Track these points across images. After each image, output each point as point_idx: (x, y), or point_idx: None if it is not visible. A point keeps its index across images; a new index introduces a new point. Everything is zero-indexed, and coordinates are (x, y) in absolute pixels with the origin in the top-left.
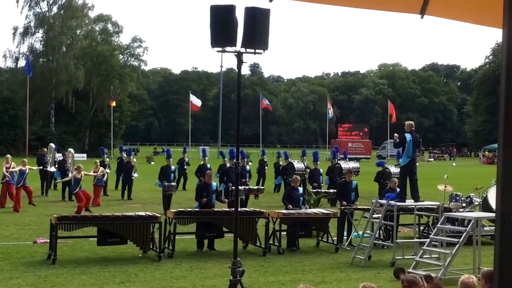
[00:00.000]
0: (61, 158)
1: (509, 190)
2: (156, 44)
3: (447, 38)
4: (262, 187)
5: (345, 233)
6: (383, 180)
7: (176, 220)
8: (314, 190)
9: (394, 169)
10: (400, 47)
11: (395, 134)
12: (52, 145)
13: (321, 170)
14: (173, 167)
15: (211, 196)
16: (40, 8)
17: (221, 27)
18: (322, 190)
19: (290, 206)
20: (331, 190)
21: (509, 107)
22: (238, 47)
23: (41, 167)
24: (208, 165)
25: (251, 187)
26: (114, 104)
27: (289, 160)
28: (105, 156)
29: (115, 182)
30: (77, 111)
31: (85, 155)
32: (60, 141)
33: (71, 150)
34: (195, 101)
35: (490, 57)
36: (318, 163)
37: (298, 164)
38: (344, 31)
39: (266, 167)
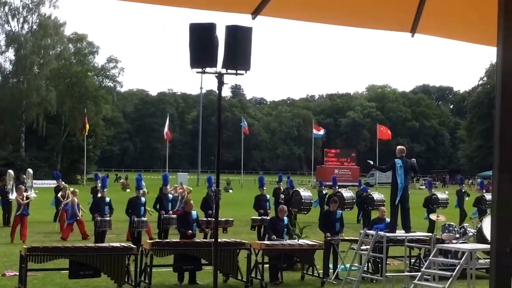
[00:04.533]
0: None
1: (504, 221)
2: (133, 64)
3: (439, 59)
4: (231, 219)
5: (331, 266)
6: (366, 206)
7: (153, 251)
8: (260, 218)
9: (377, 196)
10: (390, 68)
11: (370, 162)
12: (11, 172)
13: (268, 196)
14: (107, 199)
15: (192, 226)
16: (11, 26)
17: (201, 46)
18: (268, 218)
19: (274, 236)
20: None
21: (504, 132)
22: (219, 67)
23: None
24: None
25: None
26: (86, 132)
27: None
28: (60, 180)
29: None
30: (48, 135)
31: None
32: (30, 166)
33: (30, 170)
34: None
35: (485, 78)
36: (264, 188)
37: (304, 193)
38: (330, 51)
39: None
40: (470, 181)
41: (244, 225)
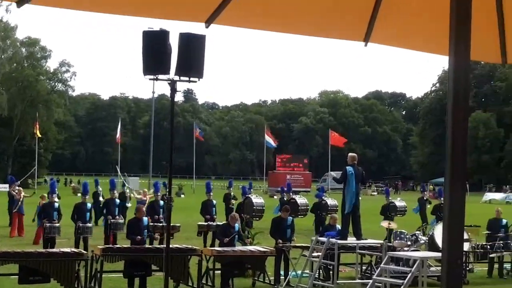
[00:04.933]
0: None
1: (456, 229)
2: (85, 69)
3: (392, 65)
4: (178, 225)
5: (282, 273)
6: (319, 212)
7: (103, 257)
8: (206, 223)
9: (331, 201)
10: (342, 74)
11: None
12: None
13: (214, 202)
14: (56, 204)
15: (143, 232)
16: None
17: (154, 53)
18: (214, 223)
19: (226, 239)
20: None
21: (456, 140)
22: (172, 74)
23: None
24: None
25: (218, 223)
26: (39, 134)
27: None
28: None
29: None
30: None
31: (7, 185)
32: None
33: None
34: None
35: (437, 85)
36: (211, 194)
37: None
38: (283, 56)
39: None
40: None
41: (194, 230)
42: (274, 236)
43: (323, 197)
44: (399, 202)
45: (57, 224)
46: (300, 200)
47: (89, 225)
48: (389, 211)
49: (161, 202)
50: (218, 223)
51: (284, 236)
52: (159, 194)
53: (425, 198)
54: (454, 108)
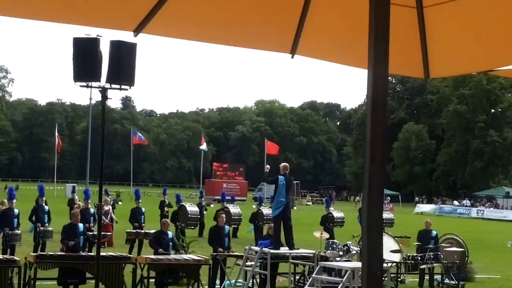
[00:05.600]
0: None
1: (375, 241)
2: (22, 74)
3: (327, 76)
4: (109, 233)
5: (217, 282)
6: (257, 222)
7: (37, 264)
8: (135, 231)
9: (267, 211)
10: (278, 84)
11: (267, 166)
12: None
13: (143, 209)
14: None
15: (79, 239)
16: None
17: (85, 60)
18: (143, 231)
19: (161, 250)
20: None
21: (373, 156)
22: (103, 82)
23: None
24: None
25: (147, 231)
26: None
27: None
28: None
29: None
30: None
31: None
32: None
33: None
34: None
35: None
36: (140, 201)
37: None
38: (220, 66)
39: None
40: (357, 198)
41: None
42: (213, 245)
43: (261, 205)
44: (337, 213)
45: (18, 232)
46: (233, 209)
47: (18, 232)
48: (327, 222)
49: (91, 210)
50: (147, 231)
51: (223, 245)
52: (89, 201)
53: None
54: (372, 119)
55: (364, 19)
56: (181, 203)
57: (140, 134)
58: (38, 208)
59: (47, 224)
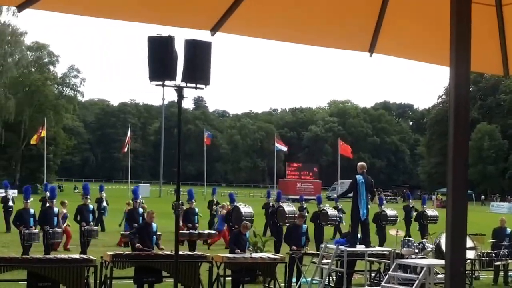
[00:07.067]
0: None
1: (459, 238)
2: (94, 74)
3: (399, 76)
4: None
5: (293, 279)
6: (319, 222)
7: (113, 263)
8: (188, 232)
9: (331, 211)
10: (351, 84)
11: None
12: None
13: (197, 210)
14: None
15: (152, 238)
16: None
17: (160, 60)
18: (197, 232)
19: (238, 250)
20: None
21: (457, 152)
22: (178, 81)
23: None
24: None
25: (200, 231)
26: (36, 141)
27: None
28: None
29: None
30: (7, 144)
31: (16, 191)
32: None
33: None
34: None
35: (443, 96)
36: (194, 201)
37: (245, 209)
38: (292, 66)
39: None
40: (434, 196)
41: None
42: (289, 242)
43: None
44: (390, 211)
45: (59, 230)
46: (288, 208)
47: (58, 230)
48: (380, 220)
49: (140, 210)
50: (201, 231)
51: (299, 243)
52: (138, 201)
53: (410, 206)
54: (455, 119)
55: (442, 16)
56: (235, 204)
57: (207, 133)
58: (82, 208)
59: (92, 223)
